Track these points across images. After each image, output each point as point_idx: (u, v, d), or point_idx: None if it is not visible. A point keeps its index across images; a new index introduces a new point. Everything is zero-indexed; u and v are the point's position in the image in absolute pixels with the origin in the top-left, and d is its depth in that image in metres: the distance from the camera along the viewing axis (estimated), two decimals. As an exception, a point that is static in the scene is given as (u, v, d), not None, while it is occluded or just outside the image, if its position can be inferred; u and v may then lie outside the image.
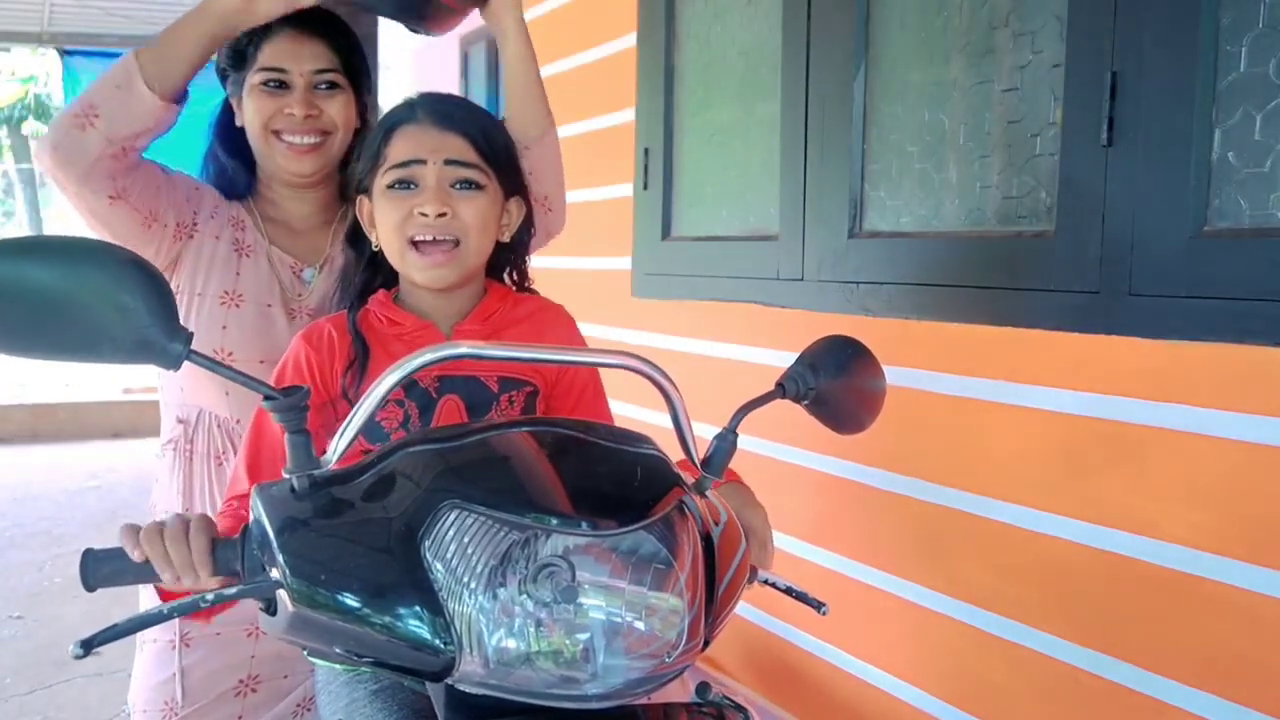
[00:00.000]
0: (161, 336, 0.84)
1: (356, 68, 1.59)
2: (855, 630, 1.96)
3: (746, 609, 2.25)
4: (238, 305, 1.53)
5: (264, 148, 1.55)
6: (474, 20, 1.62)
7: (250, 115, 1.54)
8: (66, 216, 20.39)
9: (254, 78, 1.53)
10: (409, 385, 1.22)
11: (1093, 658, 1.50)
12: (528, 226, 1.38)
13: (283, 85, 1.53)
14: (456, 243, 1.25)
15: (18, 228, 20.05)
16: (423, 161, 1.24)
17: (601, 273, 2.81)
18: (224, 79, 1.60)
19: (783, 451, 2.10)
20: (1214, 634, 1.34)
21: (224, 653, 1.55)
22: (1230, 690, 1.32)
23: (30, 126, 18.25)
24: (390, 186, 1.25)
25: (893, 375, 1.80)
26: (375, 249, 1.31)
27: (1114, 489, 1.47)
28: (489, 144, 1.28)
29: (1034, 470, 1.59)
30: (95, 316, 0.82)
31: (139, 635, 1.51)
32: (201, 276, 1.53)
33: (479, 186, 1.26)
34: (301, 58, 1.53)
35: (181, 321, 0.87)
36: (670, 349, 2.49)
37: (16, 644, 3.68)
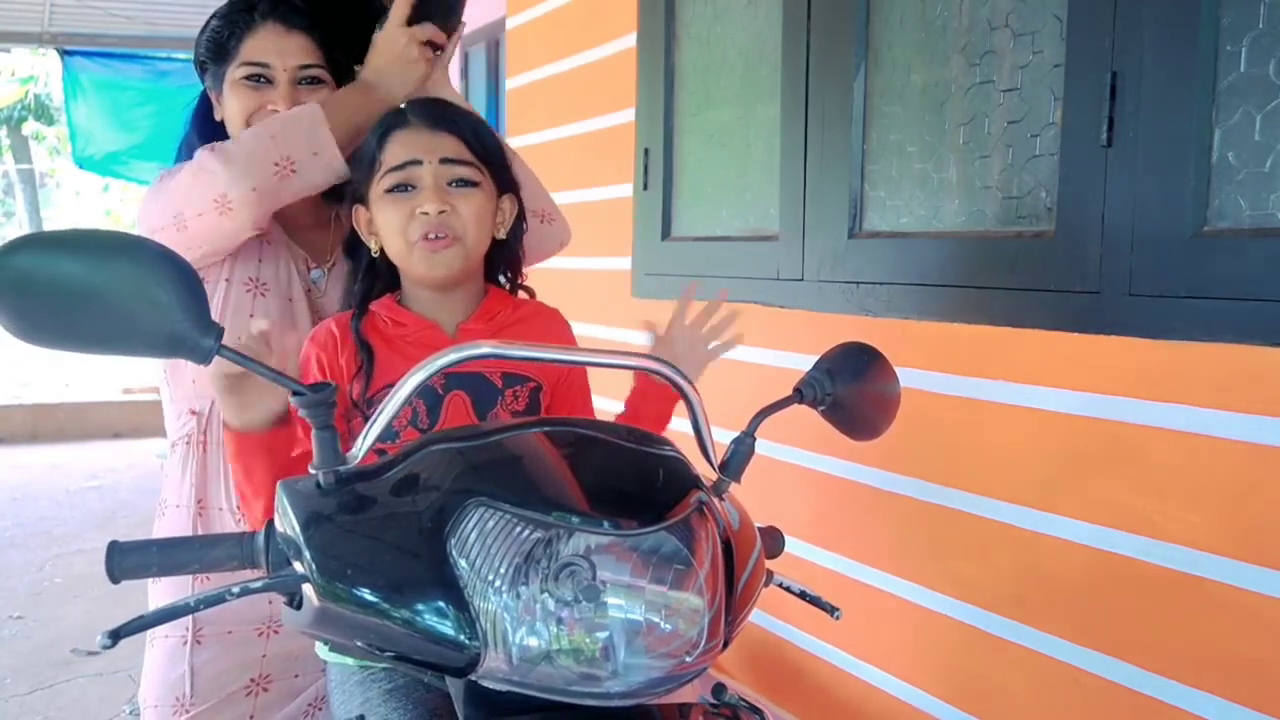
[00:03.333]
0: (193, 331, 0.85)
1: (340, 62, 1.57)
2: (856, 631, 1.96)
3: (746, 609, 2.25)
4: (263, 294, 1.53)
5: None
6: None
7: (232, 111, 1.52)
8: (66, 217, 20.43)
9: (235, 72, 1.51)
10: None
11: (1093, 658, 1.50)
12: (520, 223, 1.42)
13: (265, 80, 1.51)
14: (458, 238, 1.28)
15: (18, 228, 20.05)
16: (419, 162, 1.27)
17: (601, 273, 2.81)
18: (202, 72, 1.58)
19: (783, 452, 2.10)
20: (1214, 634, 1.34)
21: (235, 651, 1.54)
22: (1230, 690, 1.33)
23: (30, 127, 18.24)
24: (389, 191, 1.28)
25: (893, 375, 1.80)
26: (375, 255, 1.34)
27: (1114, 489, 1.47)
28: (480, 143, 1.32)
29: (1034, 470, 1.59)
30: (127, 310, 0.83)
31: (149, 632, 1.52)
32: (228, 262, 1.52)
33: (474, 184, 1.30)
34: (285, 52, 1.51)
35: (211, 310, 0.88)
36: (670, 349, 2.49)
37: (16, 644, 3.68)
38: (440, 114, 1.32)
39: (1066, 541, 1.53)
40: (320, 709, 1.59)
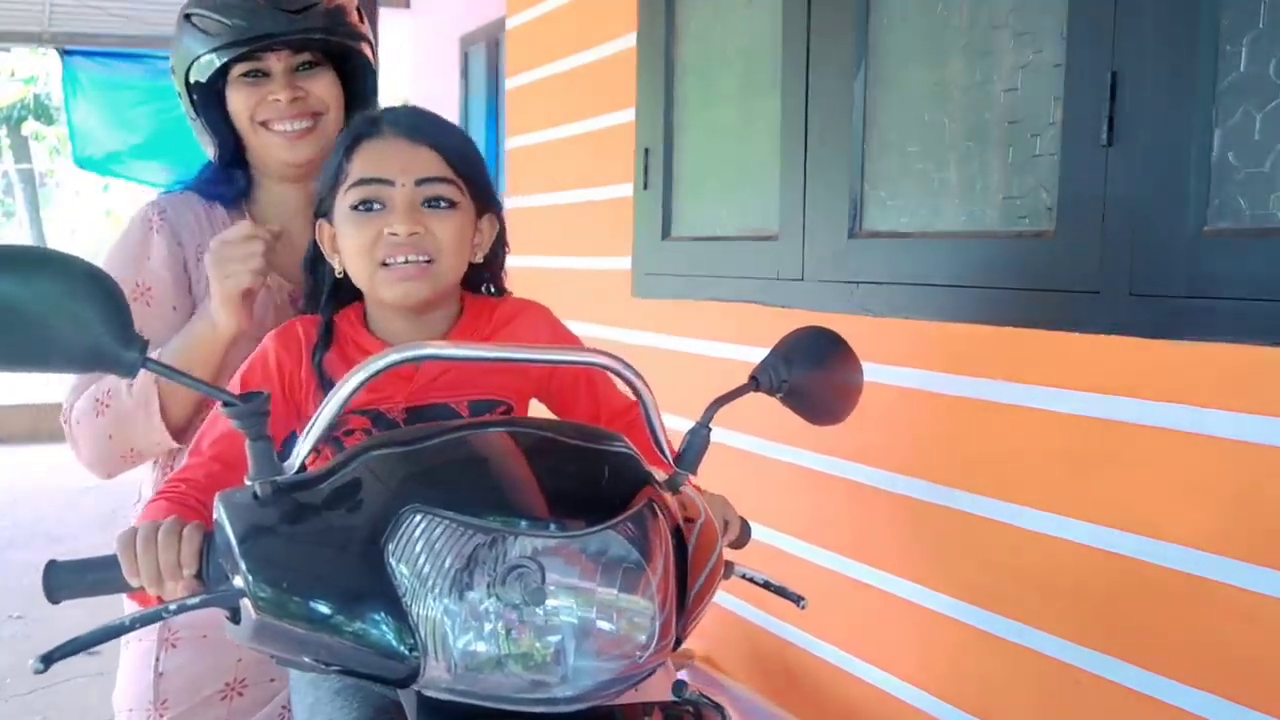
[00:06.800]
0: (116, 345, 0.83)
1: (335, 47, 1.54)
2: (855, 630, 1.96)
3: (746, 608, 2.25)
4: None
5: (254, 140, 1.53)
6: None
7: (235, 109, 1.52)
8: (67, 216, 20.41)
9: (234, 69, 1.50)
10: (375, 416, 1.20)
11: (1093, 658, 1.50)
12: (501, 244, 1.33)
13: (262, 74, 1.50)
14: (430, 260, 1.18)
15: (18, 227, 20.04)
16: (390, 182, 1.17)
17: (601, 273, 2.81)
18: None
19: (782, 451, 2.10)
20: (1214, 634, 1.34)
21: (209, 656, 1.53)
22: (1230, 690, 1.32)
23: (30, 127, 18.24)
24: (354, 207, 1.19)
25: (893, 375, 1.80)
26: (339, 274, 1.25)
27: (1114, 489, 1.47)
28: (462, 158, 1.22)
29: (1034, 470, 1.59)
30: (48, 326, 0.80)
31: (124, 637, 1.51)
32: (189, 307, 1.52)
33: (452, 204, 1.20)
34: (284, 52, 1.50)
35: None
36: (671, 349, 2.49)
37: (16, 644, 3.68)
38: (420, 124, 1.21)
39: (1066, 541, 1.53)
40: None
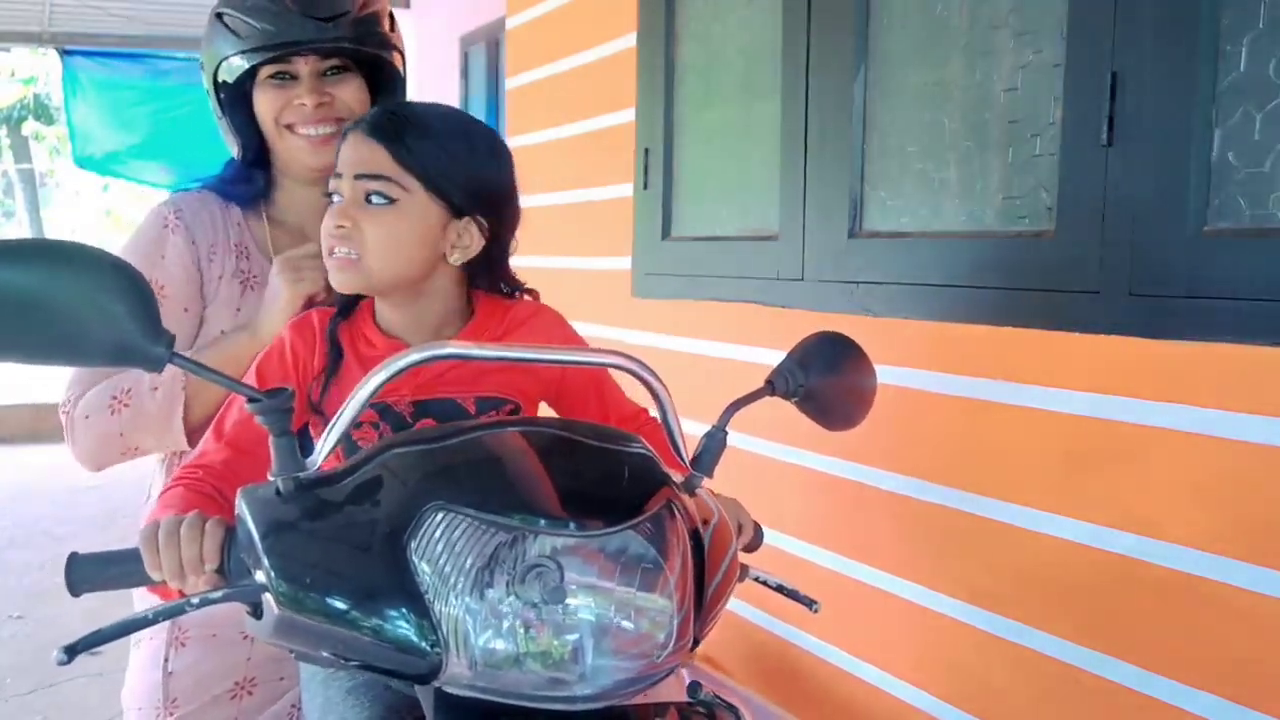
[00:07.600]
0: (144, 340, 0.83)
1: (364, 56, 1.54)
2: (856, 630, 1.96)
3: (747, 609, 2.25)
4: (252, 287, 1.52)
5: (278, 143, 1.53)
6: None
7: (261, 111, 1.52)
8: (67, 216, 20.42)
9: (262, 71, 1.50)
10: (382, 409, 1.21)
11: (1093, 658, 1.50)
12: (492, 246, 1.27)
13: (290, 76, 1.50)
14: (358, 257, 1.18)
15: (18, 227, 20.05)
16: (339, 175, 1.19)
17: (601, 273, 2.81)
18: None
19: (783, 452, 2.10)
20: (1214, 634, 1.34)
21: (219, 654, 1.53)
22: (1230, 690, 1.33)
23: (30, 127, 18.25)
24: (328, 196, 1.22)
25: (893, 375, 1.80)
26: None
27: (1114, 489, 1.47)
28: (417, 155, 1.17)
29: (1034, 470, 1.59)
30: (76, 320, 0.81)
31: (133, 635, 1.51)
32: (204, 318, 1.53)
33: (390, 200, 1.16)
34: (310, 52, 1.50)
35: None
36: (670, 349, 2.49)
37: (16, 644, 3.68)
38: (383, 120, 1.19)
39: (1066, 541, 1.53)
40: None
